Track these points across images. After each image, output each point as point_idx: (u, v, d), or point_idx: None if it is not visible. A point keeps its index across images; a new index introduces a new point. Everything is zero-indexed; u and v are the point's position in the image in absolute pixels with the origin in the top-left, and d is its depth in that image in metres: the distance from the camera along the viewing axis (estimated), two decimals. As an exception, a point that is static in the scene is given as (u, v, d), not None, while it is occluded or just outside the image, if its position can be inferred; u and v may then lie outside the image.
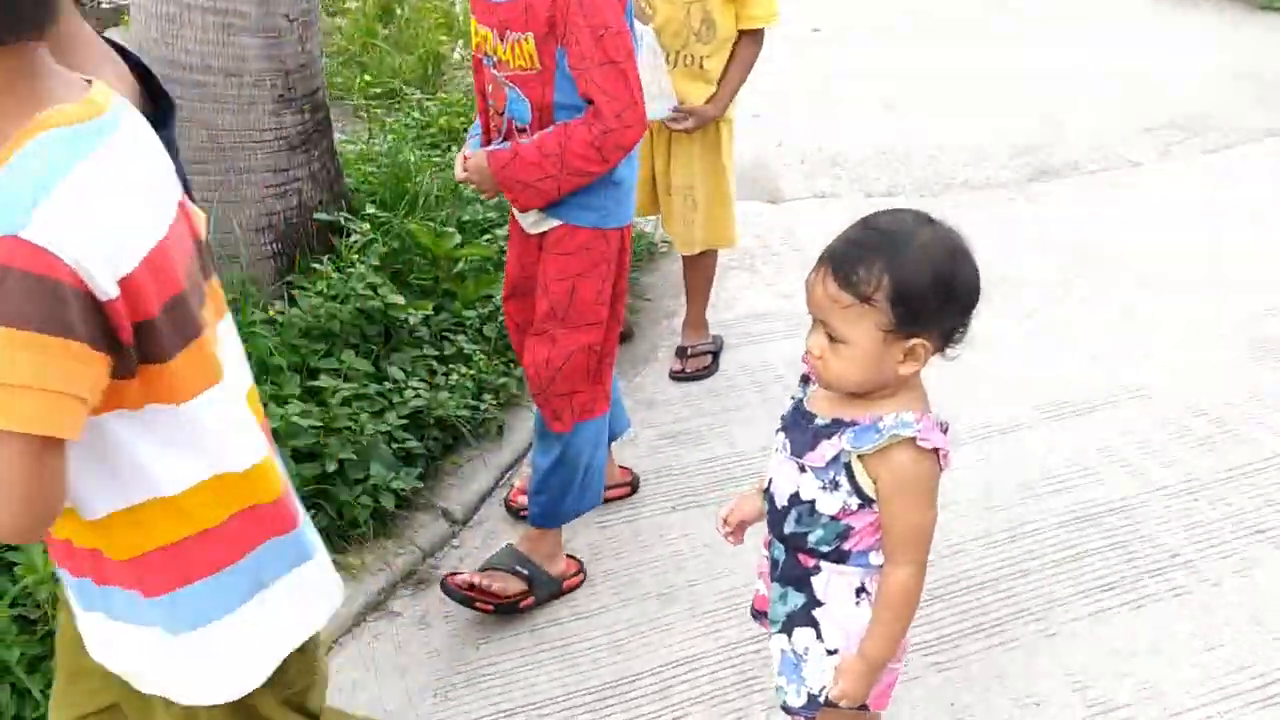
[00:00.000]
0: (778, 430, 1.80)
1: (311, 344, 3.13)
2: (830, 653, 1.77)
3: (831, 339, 1.63)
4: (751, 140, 5.73)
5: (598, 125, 2.30)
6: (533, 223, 2.52)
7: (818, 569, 1.75)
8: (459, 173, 2.54)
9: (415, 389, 3.14)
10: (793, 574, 1.78)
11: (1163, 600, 2.64)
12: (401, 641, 2.63)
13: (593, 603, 2.72)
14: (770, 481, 1.80)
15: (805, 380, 1.81)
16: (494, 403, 3.31)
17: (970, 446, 3.24)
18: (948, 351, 1.70)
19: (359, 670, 2.55)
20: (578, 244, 2.46)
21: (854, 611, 1.75)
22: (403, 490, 2.91)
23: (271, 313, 3.11)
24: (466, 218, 4.03)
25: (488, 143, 2.54)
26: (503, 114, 2.46)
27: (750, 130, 5.86)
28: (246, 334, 3.00)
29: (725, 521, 1.92)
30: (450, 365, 3.32)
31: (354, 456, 2.85)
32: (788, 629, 1.81)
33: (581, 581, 2.77)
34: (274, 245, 3.41)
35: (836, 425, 1.67)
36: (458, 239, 3.66)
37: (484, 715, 2.42)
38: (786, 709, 1.84)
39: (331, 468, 2.81)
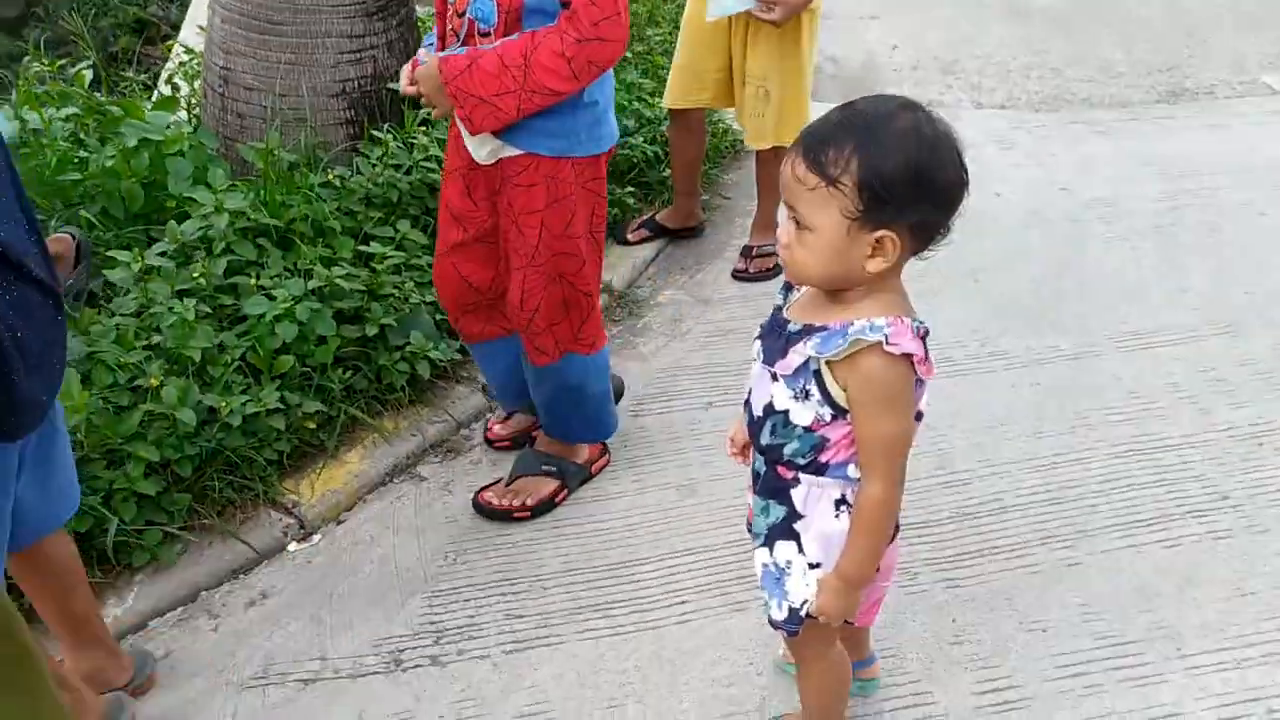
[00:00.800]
0: (755, 338, 1.72)
1: (370, 211, 3.17)
2: (812, 566, 1.72)
3: (799, 226, 1.54)
4: (864, 41, 5.55)
5: (571, 33, 2.01)
6: (487, 153, 2.22)
7: (797, 481, 1.70)
8: (404, 83, 2.21)
9: (470, 265, 3.16)
10: (773, 486, 1.73)
11: (1201, 542, 2.50)
12: (422, 505, 2.70)
13: (613, 487, 2.73)
14: (750, 391, 1.73)
15: (788, 288, 1.71)
16: (547, 285, 3.31)
17: (1027, 370, 3.11)
18: (925, 253, 1.57)
19: (379, 527, 2.63)
20: (542, 175, 2.20)
21: (834, 524, 1.69)
22: (441, 361, 2.96)
23: (331, 176, 3.15)
24: (548, 101, 3.99)
25: (443, 49, 2.21)
26: (463, 14, 2.13)
27: (864, 30, 5.66)
28: (308, 197, 3.07)
29: (732, 441, 1.88)
30: (508, 244, 3.32)
31: (395, 323, 2.89)
32: (769, 542, 1.76)
33: (608, 462, 2.77)
34: (346, 112, 3.43)
35: (806, 331, 1.59)
36: (530, 119, 3.62)
37: (489, 581, 2.47)
38: (771, 623, 1.81)
39: (372, 332, 2.86)
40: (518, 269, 2.34)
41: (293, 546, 2.58)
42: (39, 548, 1.96)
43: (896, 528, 1.76)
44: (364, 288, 2.90)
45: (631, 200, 3.86)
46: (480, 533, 2.60)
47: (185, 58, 4.30)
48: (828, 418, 1.61)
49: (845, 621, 1.77)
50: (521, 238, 2.29)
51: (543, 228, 2.27)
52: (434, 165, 3.30)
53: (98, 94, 3.76)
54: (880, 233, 1.49)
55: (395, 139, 3.33)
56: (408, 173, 3.28)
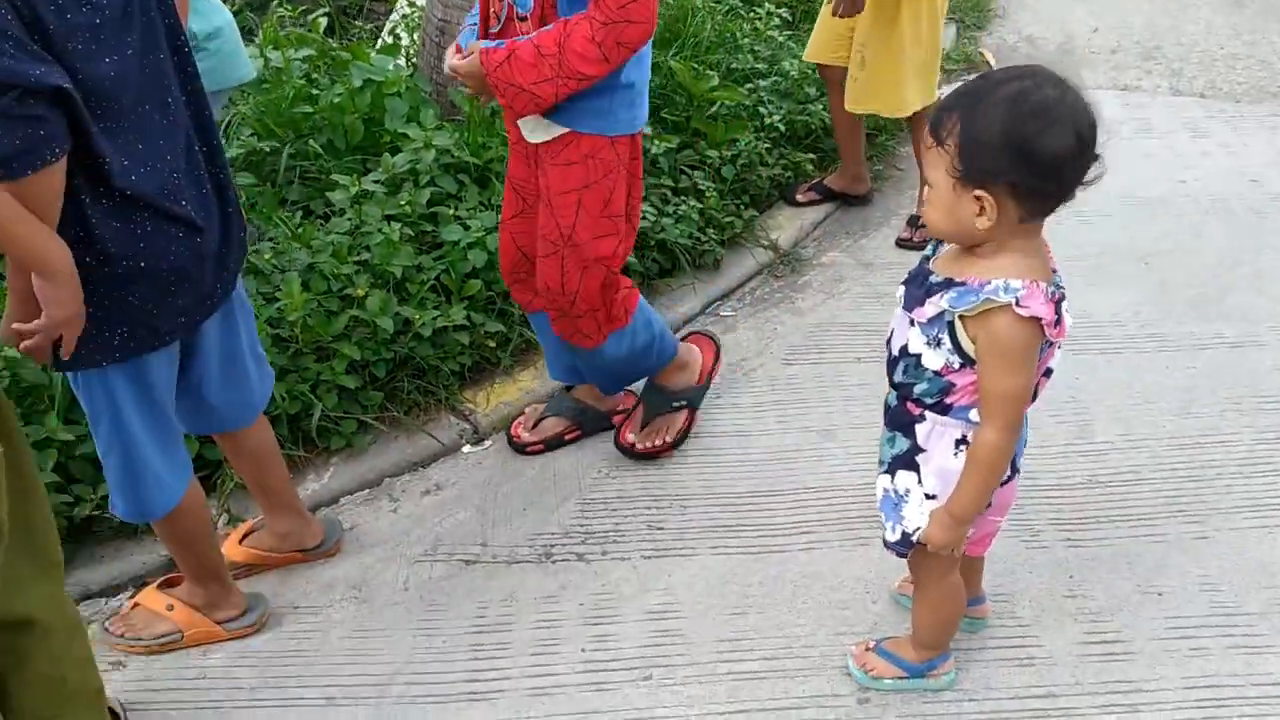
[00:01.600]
0: (901, 283, 1.86)
1: (559, 157, 3.44)
2: (929, 497, 1.88)
3: (927, 183, 1.70)
4: (1065, 22, 5.49)
5: (598, 17, 2.06)
6: (532, 129, 2.28)
7: (922, 418, 1.85)
8: (448, 66, 2.29)
9: (645, 213, 3.39)
10: (900, 420, 1.89)
11: (1338, 530, 2.51)
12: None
13: (757, 425, 2.92)
14: (891, 330, 1.88)
15: (939, 242, 1.84)
16: (716, 238, 3.52)
17: (1184, 354, 3.12)
18: (1040, 217, 1.66)
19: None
20: (581, 153, 2.25)
21: (953, 461, 1.84)
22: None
23: (528, 124, 3.44)
24: (735, 65, 4.18)
25: (485, 33, 2.30)
26: None
27: (1067, 11, 5.59)
28: (506, 140, 3.35)
29: None
30: (683, 197, 3.54)
31: (573, 259, 3.15)
32: (892, 470, 1.92)
33: (720, 362, 2.92)
34: (547, 66, 3.71)
35: (946, 284, 1.72)
36: (714, 81, 3.82)
37: (636, 495, 2.71)
38: (885, 543, 1.98)
39: (552, 266, 3.13)
40: (551, 254, 2.38)
41: (466, 448, 2.89)
42: (241, 434, 2.29)
43: (1015, 470, 1.90)
44: (548, 225, 3.17)
45: (810, 166, 4.01)
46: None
47: (408, 10, 4.68)
48: (956, 365, 1.76)
49: (951, 552, 1.92)
50: (554, 219, 2.33)
51: (580, 208, 2.31)
52: (621, 118, 3.54)
53: (330, 40, 4.17)
54: (979, 193, 1.62)
55: (588, 91, 3.58)
56: (597, 124, 3.53)
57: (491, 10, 2.25)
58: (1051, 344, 1.75)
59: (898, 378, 1.86)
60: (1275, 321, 3.25)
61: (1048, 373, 1.84)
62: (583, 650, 2.30)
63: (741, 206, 3.68)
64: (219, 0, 2.87)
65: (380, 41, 4.51)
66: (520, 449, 2.84)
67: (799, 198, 3.85)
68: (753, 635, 2.32)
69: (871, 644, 2.21)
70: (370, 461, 2.80)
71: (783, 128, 3.96)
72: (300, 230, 3.04)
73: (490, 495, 2.73)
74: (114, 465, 2.01)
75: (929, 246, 1.87)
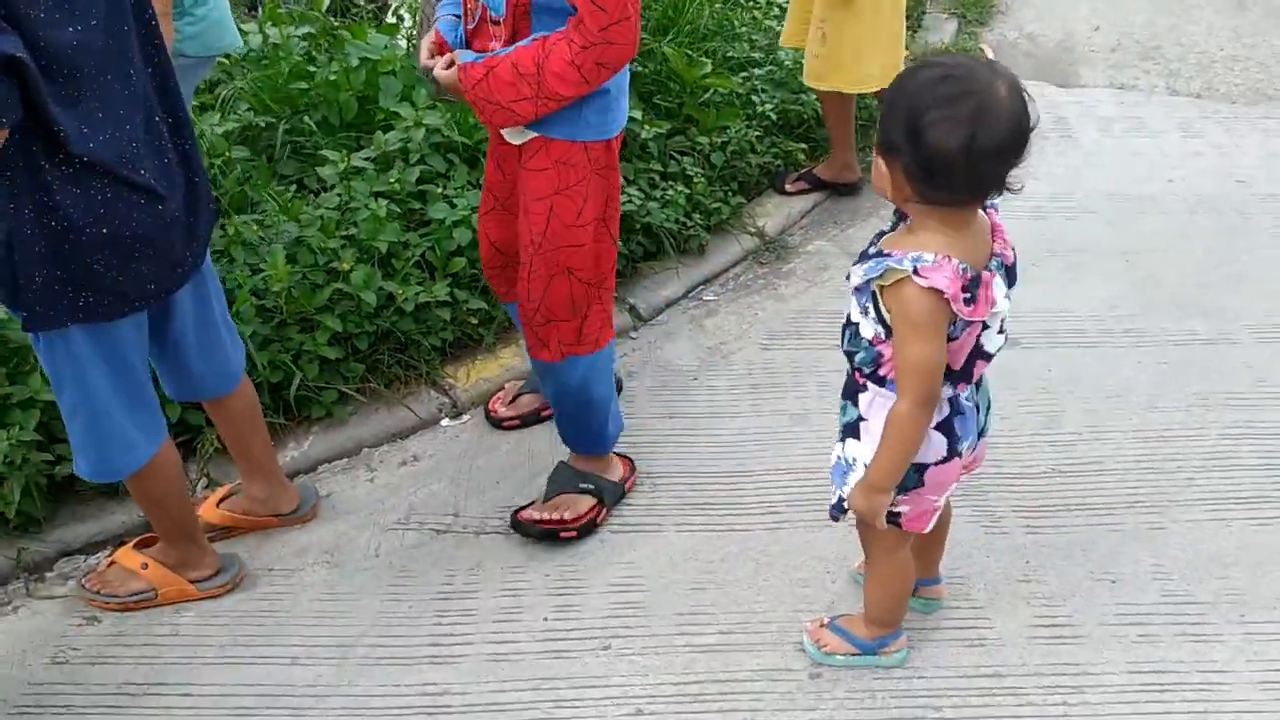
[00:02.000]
0: None
1: (549, 139, 3.49)
2: (868, 466, 1.94)
3: None
4: (1066, 20, 5.51)
5: (578, 40, 2.01)
6: (509, 132, 2.23)
7: (864, 387, 1.92)
8: (423, 57, 2.26)
9: (631, 196, 3.44)
10: (850, 389, 1.96)
11: (1293, 525, 2.55)
12: (560, 402, 3.01)
13: (731, 407, 2.98)
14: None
15: (902, 215, 1.88)
16: (701, 223, 3.56)
17: (1158, 349, 3.16)
18: (944, 205, 1.69)
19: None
20: (553, 159, 2.20)
21: None
22: (595, 278, 3.25)
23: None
24: (731, 53, 4.22)
25: (465, 26, 2.26)
26: None
27: (1069, 8, 5.60)
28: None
29: None
30: (670, 182, 3.59)
31: (557, 240, 3.21)
32: (843, 438, 2.00)
33: (636, 480, 2.71)
34: (541, 49, 3.75)
35: (877, 255, 1.78)
36: (707, 68, 3.86)
37: (607, 473, 2.76)
38: (830, 509, 2.06)
39: (536, 246, 3.18)
40: (526, 260, 2.32)
41: (445, 422, 2.95)
42: (225, 400, 2.35)
43: (955, 452, 1.94)
44: (534, 206, 3.22)
45: (802, 155, 4.05)
46: (607, 431, 2.90)
47: (411, -9, 4.73)
48: (883, 336, 1.82)
49: (894, 523, 1.98)
50: (529, 224, 2.28)
51: (551, 215, 2.25)
52: (612, 103, 3.59)
53: (333, 18, 4.23)
54: (880, 159, 1.72)
55: (579, 76, 3.63)
56: (588, 108, 3.58)
57: (467, 7, 2.23)
58: (972, 323, 1.78)
59: (845, 345, 1.92)
60: (1250, 320, 3.28)
61: (986, 356, 1.87)
62: (544, 619, 2.35)
63: (730, 193, 3.72)
64: None
65: (385, 21, 4.57)
66: (497, 424, 2.90)
67: (788, 187, 3.90)
68: (711, 610, 2.37)
69: (826, 620, 2.27)
70: (349, 431, 2.86)
71: (775, 116, 4.00)
72: (291, 204, 3.10)
73: (465, 468, 2.79)
74: (78, 427, 2.07)
75: (893, 217, 1.92)
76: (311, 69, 3.65)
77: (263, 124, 3.49)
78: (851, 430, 1.97)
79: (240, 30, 3.69)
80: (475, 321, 3.09)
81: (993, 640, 2.28)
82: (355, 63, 3.60)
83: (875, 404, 1.91)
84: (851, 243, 3.74)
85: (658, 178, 3.59)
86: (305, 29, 3.90)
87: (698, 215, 3.57)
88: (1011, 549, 2.51)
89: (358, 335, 2.91)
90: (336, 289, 2.89)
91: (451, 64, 2.16)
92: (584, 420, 2.53)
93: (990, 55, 5.09)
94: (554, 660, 2.26)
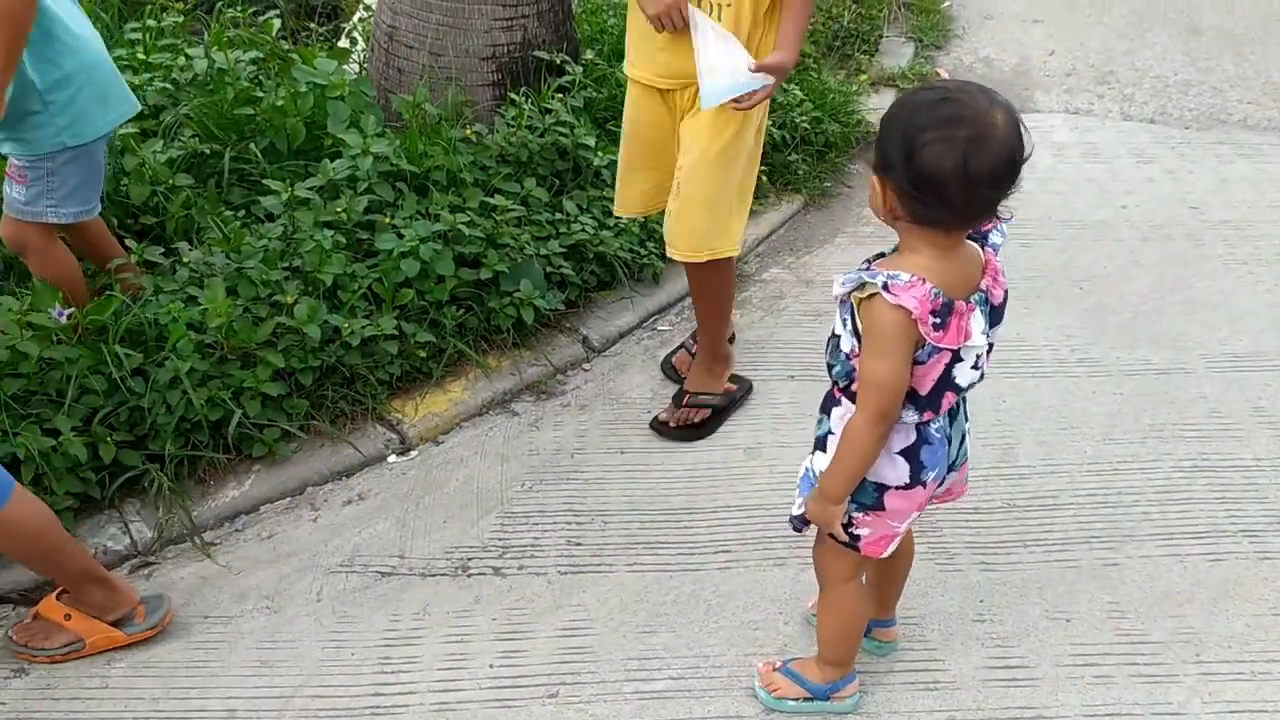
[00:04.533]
0: None
1: (501, 167, 3.44)
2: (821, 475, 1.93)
3: None
4: (1022, 44, 5.54)
5: None
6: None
7: (839, 401, 1.91)
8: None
9: (584, 225, 3.40)
10: (826, 401, 1.96)
11: (1247, 560, 2.53)
12: (511, 436, 2.95)
13: (683, 444, 2.93)
14: None
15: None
16: (656, 251, 3.52)
17: (1112, 379, 3.15)
18: (936, 228, 1.69)
19: (469, 451, 2.90)
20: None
21: None
22: (547, 309, 3.20)
23: (469, 132, 3.43)
24: (687, 79, 4.18)
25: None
26: None
27: (1024, 33, 5.64)
28: (447, 149, 3.36)
29: None
30: (625, 210, 3.54)
31: (507, 271, 3.16)
32: (814, 450, 1.98)
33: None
34: (494, 75, 3.72)
35: (860, 270, 1.76)
36: (662, 95, 3.82)
37: (557, 509, 2.70)
38: (791, 519, 2.04)
39: (487, 276, 3.13)
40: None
41: (392, 458, 2.88)
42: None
43: (919, 481, 1.89)
44: (485, 235, 3.17)
45: (763, 178, 4.01)
46: (556, 467, 2.84)
47: (365, 14, 4.67)
48: (857, 349, 1.80)
49: (852, 546, 1.96)
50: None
51: None
52: (565, 130, 3.55)
53: (284, 42, 4.16)
54: (875, 176, 1.71)
55: (531, 103, 3.59)
56: (541, 135, 3.54)
57: None
58: (941, 350, 1.75)
59: (826, 357, 1.92)
60: (1204, 349, 3.28)
61: (956, 389, 1.84)
62: (491, 666, 2.29)
63: (684, 221, 3.68)
64: (82, 34, 2.55)
65: (340, 45, 4.50)
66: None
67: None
68: (663, 653, 2.32)
69: (778, 663, 2.22)
70: (292, 470, 2.78)
71: (730, 143, 3.96)
72: (235, 233, 3.03)
73: (412, 507, 2.72)
74: None
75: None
76: (258, 94, 3.58)
77: (208, 151, 3.41)
78: (821, 443, 1.96)
79: (185, 55, 3.63)
80: (424, 355, 3.03)
81: (946, 683, 2.24)
82: (303, 88, 3.53)
83: (845, 417, 1.88)
84: (807, 270, 3.71)
85: (611, 205, 3.54)
86: (253, 53, 3.83)
87: (651, 243, 3.52)
88: (966, 587, 2.47)
89: (301, 370, 2.84)
90: (279, 323, 2.82)
91: None
92: None
93: (947, 80, 5.10)
94: (500, 710, 2.19)
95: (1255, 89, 5.10)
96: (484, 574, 2.53)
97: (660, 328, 3.41)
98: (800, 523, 2.02)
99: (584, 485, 2.78)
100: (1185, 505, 2.70)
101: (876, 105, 4.71)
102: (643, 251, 3.49)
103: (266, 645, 2.34)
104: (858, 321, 1.78)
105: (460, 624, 2.39)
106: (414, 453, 2.90)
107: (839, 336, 1.85)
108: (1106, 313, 3.46)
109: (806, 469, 2.00)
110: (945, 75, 5.14)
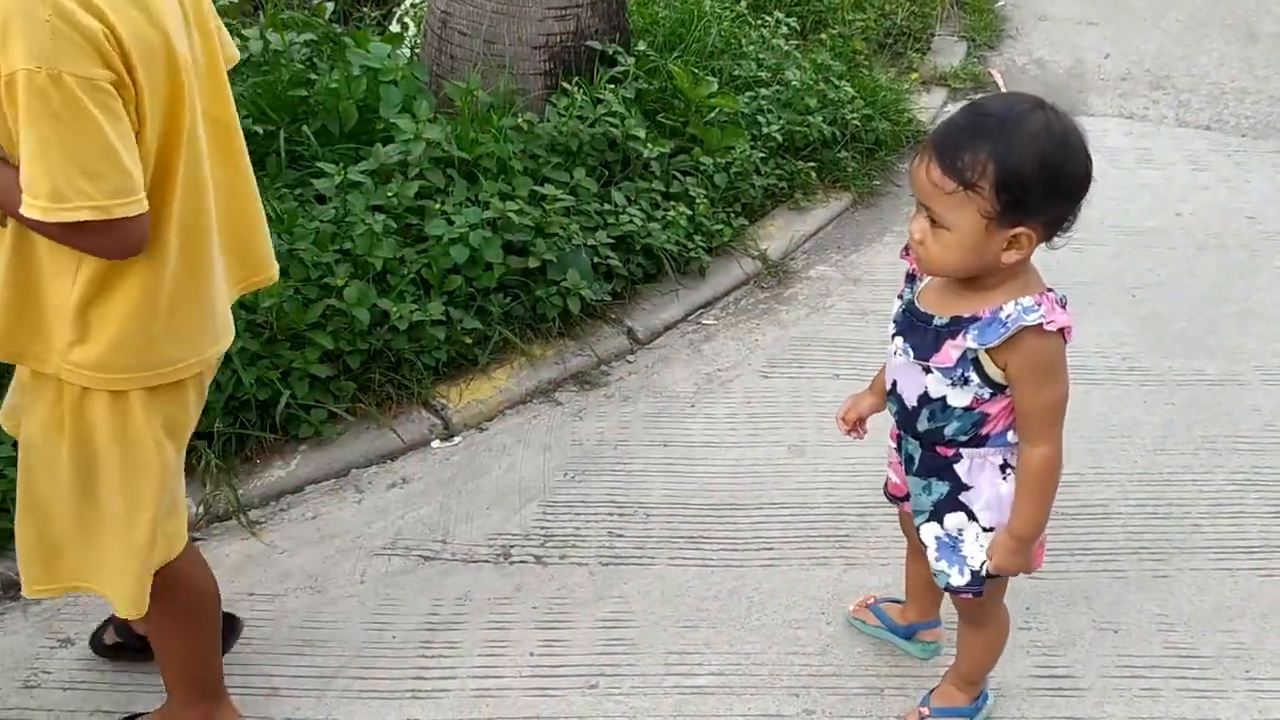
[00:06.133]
0: (894, 334, 1.82)
1: (551, 156, 3.44)
2: (986, 530, 1.85)
3: (934, 224, 1.62)
4: (1077, 47, 5.47)
5: None
6: None
7: (959, 456, 1.82)
8: None
9: (632, 216, 3.39)
10: (933, 466, 1.85)
11: (1300, 577, 2.49)
12: (554, 426, 2.95)
13: (729, 436, 2.92)
14: (894, 384, 1.85)
15: (911, 279, 1.83)
16: (703, 245, 3.51)
17: (1165, 389, 3.10)
18: (1055, 240, 1.67)
19: (512, 439, 2.90)
20: None
21: (1002, 487, 1.82)
22: (593, 300, 3.20)
23: (521, 121, 3.43)
24: (739, 71, 4.17)
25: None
26: None
27: (1079, 36, 5.56)
28: (497, 137, 3.35)
29: (844, 420, 2.03)
30: (673, 203, 3.53)
31: (555, 260, 3.15)
32: (937, 517, 1.88)
33: None
34: (546, 63, 3.71)
35: (957, 324, 1.69)
36: (714, 87, 3.81)
37: (599, 501, 2.70)
38: (950, 589, 1.93)
39: (535, 265, 3.13)
40: None
41: (436, 443, 2.89)
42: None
43: None
44: (533, 224, 3.16)
45: (813, 174, 3.98)
46: (600, 458, 2.84)
47: (417, 0, 4.68)
48: (986, 396, 1.73)
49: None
50: None
51: None
52: (615, 121, 3.54)
53: (336, 25, 4.17)
54: (1017, 230, 1.59)
55: (583, 93, 3.58)
56: (591, 125, 3.53)
57: None
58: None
59: (923, 426, 1.81)
60: (1259, 361, 3.23)
61: None
62: (531, 654, 2.29)
63: (732, 215, 3.67)
64: None
65: (390, 29, 4.51)
66: None
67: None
68: (703, 649, 2.31)
69: (925, 711, 2.14)
70: (338, 451, 2.79)
71: (780, 138, 3.94)
72: (287, 215, 3.04)
73: (455, 492, 2.73)
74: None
75: (905, 287, 1.84)
76: (312, 77, 3.59)
77: (261, 131, 3.43)
78: (948, 505, 1.86)
79: (240, 35, 3.65)
80: (470, 341, 3.03)
81: (990, 689, 2.21)
82: (356, 71, 3.54)
83: (975, 467, 1.82)
84: (854, 268, 3.68)
85: (660, 198, 3.54)
86: (307, 35, 3.85)
87: (699, 237, 3.51)
88: (1011, 594, 2.40)
89: (349, 353, 2.85)
90: (329, 305, 2.83)
91: None
92: None
93: (999, 80, 5.04)
94: (540, 698, 2.19)
95: (1315, 98, 5.01)
96: (525, 562, 2.53)
97: (705, 321, 3.40)
98: (978, 586, 1.91)
99: (626, 477, 2.77)
100: (1237, 519, 2.65)
101: (927, 104, 4.68)
102: (689, 245, 3.48)
103: (309, 625, 2.35)
104: (986, 370, 1.70)
105: (501, 611, 2.39)
106: (458, 439, 2.90)
107: (941, 398, 1.76)
108: (1160, 321, 3.41)
109: (939, 537, 1.89)
110: (998, 76, 5.08)
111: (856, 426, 2.04)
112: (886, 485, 2.11)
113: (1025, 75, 5.16)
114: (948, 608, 2.29)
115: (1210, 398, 3.08)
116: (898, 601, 2.33)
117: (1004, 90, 4.93)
